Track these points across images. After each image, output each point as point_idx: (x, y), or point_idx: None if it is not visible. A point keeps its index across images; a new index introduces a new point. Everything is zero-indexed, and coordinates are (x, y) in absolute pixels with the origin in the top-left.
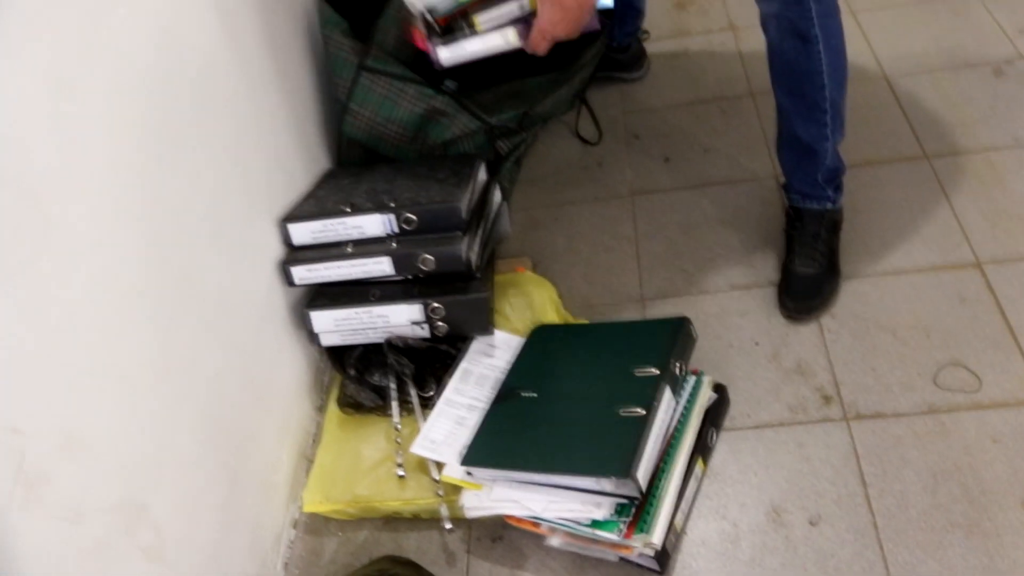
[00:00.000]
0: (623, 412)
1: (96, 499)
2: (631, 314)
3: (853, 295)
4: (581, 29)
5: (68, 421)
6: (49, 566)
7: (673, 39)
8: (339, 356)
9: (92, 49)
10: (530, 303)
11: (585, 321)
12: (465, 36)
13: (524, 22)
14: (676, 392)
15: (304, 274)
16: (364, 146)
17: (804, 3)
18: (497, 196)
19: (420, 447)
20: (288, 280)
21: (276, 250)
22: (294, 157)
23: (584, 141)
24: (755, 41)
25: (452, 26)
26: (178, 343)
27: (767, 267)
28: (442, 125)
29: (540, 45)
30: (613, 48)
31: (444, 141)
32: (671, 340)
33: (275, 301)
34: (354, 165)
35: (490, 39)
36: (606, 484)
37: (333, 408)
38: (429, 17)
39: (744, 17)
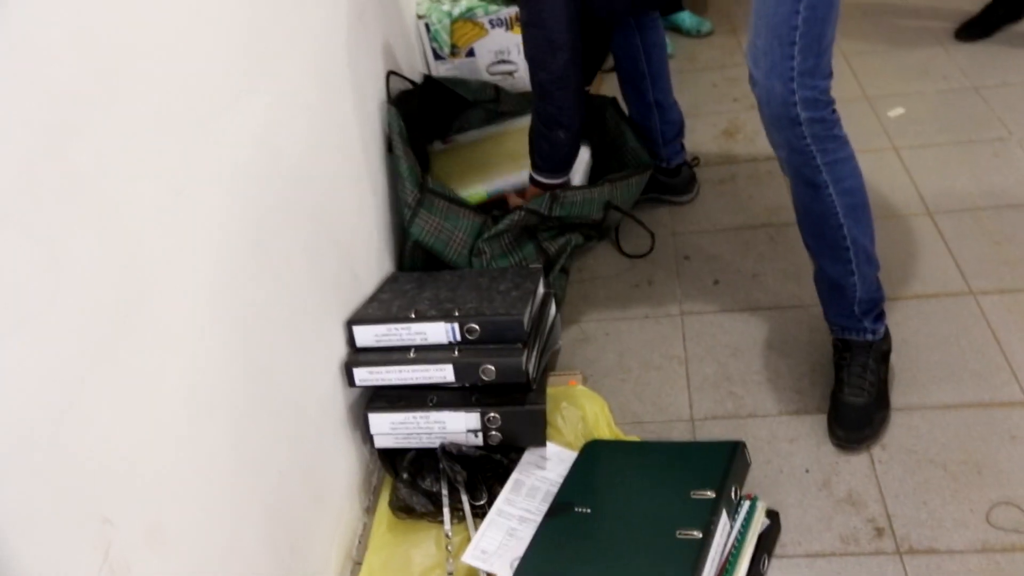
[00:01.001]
0: (680, 534)
1: None
2: (681, 434)
3: (903, 427)
4: None
5: (153, 514)
6: None
7: (721, 166)
8: (391, 458)
9: (201, 155)
10: (583, 416)
11: (637, 438)
12: None
13: None
14: (731, 516)
15: (365, 376)
16: (427, 250)
17: (807, 152)
18: (552, 308)
19: (471, 557)
20: (349, 381)
21: (340, 350)
22: (361, 259)
23: (626, 254)
24: None
25: None
26: (251, 439)
27: (815, 394)
28: (486, 229)
29: None
30: (663, 170)
31: (486, 240)
32: (727, 463)
33: (336, 401)
34: (415, 271)
35: None
36: None
37: (383, 510)
38: None
39: None
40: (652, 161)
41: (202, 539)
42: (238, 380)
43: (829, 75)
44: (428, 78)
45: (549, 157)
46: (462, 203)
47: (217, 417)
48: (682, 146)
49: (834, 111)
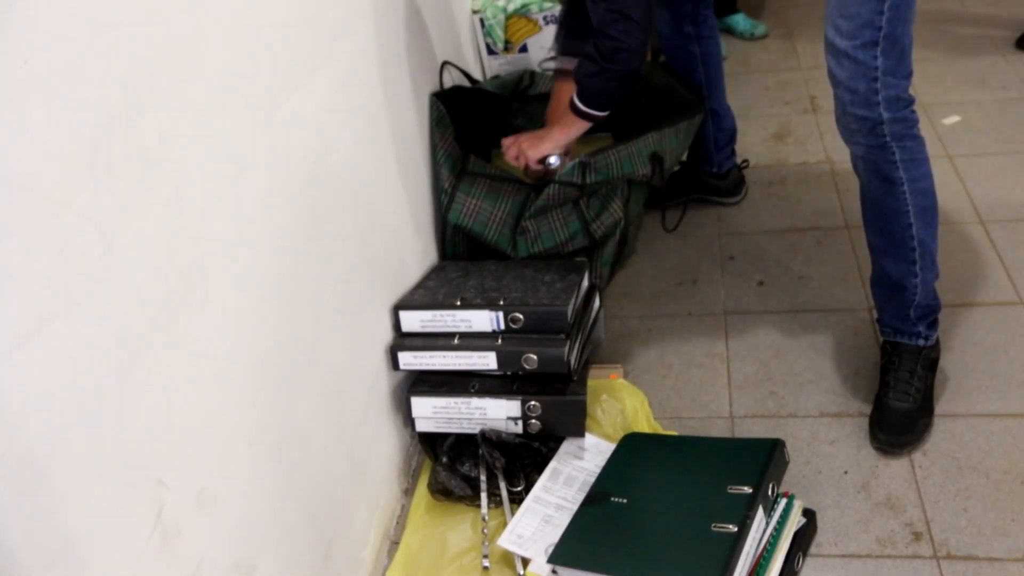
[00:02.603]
0: (715, 527)
1: (216, 556)
2: (720, 431)
3: (945, 434)
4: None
5: (205, 479)
6: None
7: (770, 168)
8: (431, 442)
9: (262, 137)
10: (622, 410)
11: (675, 433)
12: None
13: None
14: (768, 513)
15: (410, 360)
16: (468, 234)
17: (888, 148)
18: (596, 302)
19: (507, 541)
20: (394, 364)
21: (386, 334)
22: (409, 247)
23: (667, 229)
24: (851, 175)
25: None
26: (297, 414)
27: (857, 397)
28: (528, 206)
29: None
30: (713, 173)
31: (530, 218)
32: (765, 460)
33: (380, 383)
34: (460, 260)
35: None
36: None
37: (422, 492)
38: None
39: (840, 151)
40: (702, 106)
41: (248, 507)
42: (287, 355)
43: (909, 75)
44: (463, 89)
45: (600, 92)
46: (506, 178)
47: (266, 389)
48: (733, 151)
49: (914, 111)
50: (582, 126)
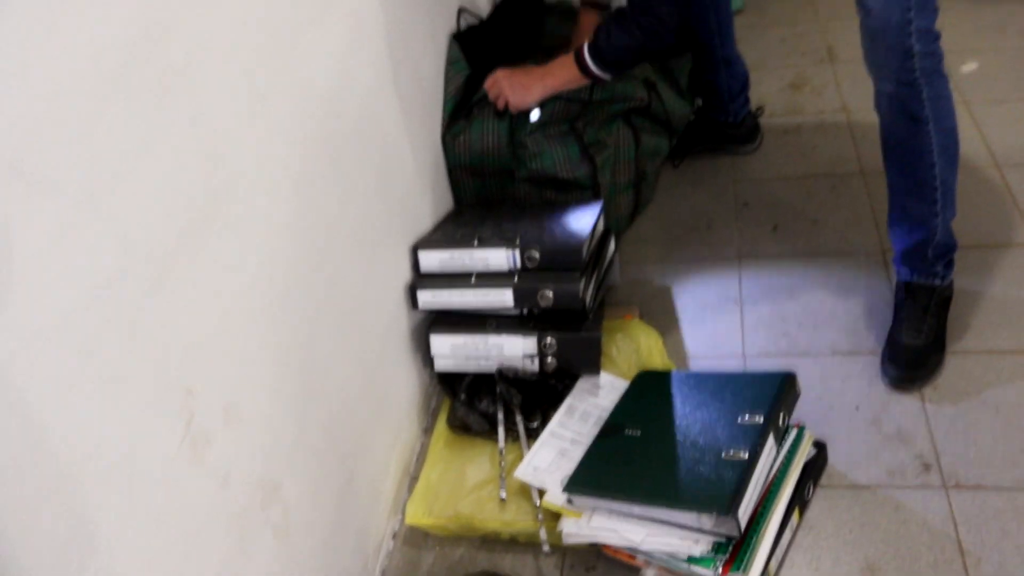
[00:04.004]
0: (726, 455)
1: (243, 469)
2: (733, 369)
3: (957, 370)
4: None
5: (231, 394)
6: (201, 522)
7: (786, 117)
8: (450, 382)
9: (283, 68)
10: (636, 348)
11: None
12: None
13: None
14: (779, 442)
15: (428, 298)
16: (472, 170)
17: (916, 85)
18: (611, 246)
19: (523, 473)
20: (413, 303)
21: (405, 274)
22: (427, 191)
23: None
24: (867, 123)
25: None
26: (318, 342)
27: (870, 337)
28: (523, 120)
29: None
30: (729, 123)
31: (530, 133)
32: (777, 392)
33: (399, 322)
34: (475, 205)
35: None
36: (706, 521)
37: (441, 428)
38: None
39: (857, 99)
40: (688, 49)
41: (273, 426)
42: (309, 284)
43: (937, 10)
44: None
45: (620, 61)
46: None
47: (289, 313)
48: (747, 99)
49: (941, 47)
50: (579, 81)
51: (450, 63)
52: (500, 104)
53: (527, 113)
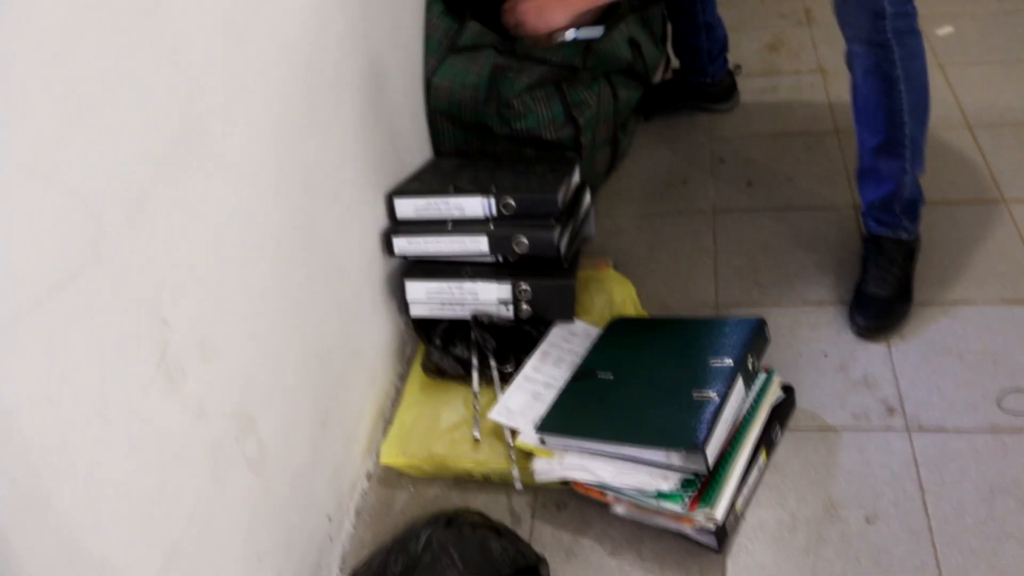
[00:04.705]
0: (696, 395)
1: (218, 402)
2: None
3: (923, 320)
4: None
5: (206, 327)
6: (176, 451)
7: (764, 77)
8: (425, 328)
9: (259, 8)
10: (610, 299)
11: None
12: None
13: None
14: (748, 385)
15: (404, 245)
16: (451, 119)
17: (887, 46)
18: (587, 199)
19: (497, 414)
20: (389, 249)
21: (381, 221)
22: (406, 139)
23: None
24: (843, 84)
25: None
26: (294, 282)
27: (840, 288)
28: (509, 80)
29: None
30: (708, 83)
31: (517, 95)
32: (748, 337)
33: (375, 268)
34: (453, 155)
35: None
36: (675, 457)
37: (416, 372)
38: None
39: (833, 61)
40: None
41: (248, 363)
42: (285, 225)
43: None
44: None
45: None
46: (481, 45)
47: (265, 250)
48: (726, 60)
49: (914, 6)
50: None
51: (429, 3)
52: (520, 32)
53: (517, 69)
